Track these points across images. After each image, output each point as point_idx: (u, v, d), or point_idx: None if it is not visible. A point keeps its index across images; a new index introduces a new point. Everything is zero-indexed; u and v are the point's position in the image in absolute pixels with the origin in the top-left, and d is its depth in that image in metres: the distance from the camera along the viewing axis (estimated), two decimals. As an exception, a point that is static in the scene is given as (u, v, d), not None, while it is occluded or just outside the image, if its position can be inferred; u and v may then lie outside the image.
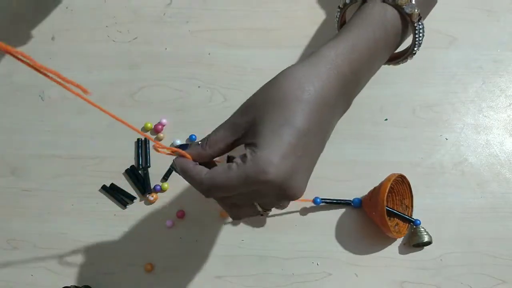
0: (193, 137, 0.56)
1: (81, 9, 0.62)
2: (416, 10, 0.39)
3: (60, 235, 0.54)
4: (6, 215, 0.55)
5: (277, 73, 0.36)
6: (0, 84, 0.60)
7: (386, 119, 0.56)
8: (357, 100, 0.57)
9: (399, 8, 0.39)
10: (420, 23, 0.40)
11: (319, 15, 0.60)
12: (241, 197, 0.35)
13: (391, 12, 0.39)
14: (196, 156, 0.37)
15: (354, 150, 0.55)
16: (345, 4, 0.42)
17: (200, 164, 0.37)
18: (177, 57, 0.59)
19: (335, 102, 0.35)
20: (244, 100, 0.58)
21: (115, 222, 0.54)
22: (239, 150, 0.36)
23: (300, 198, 0.51)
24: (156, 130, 0.56)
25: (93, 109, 0.60)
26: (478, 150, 0.54)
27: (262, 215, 0.38)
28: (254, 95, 0.36)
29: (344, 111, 0.39)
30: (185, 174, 0.36)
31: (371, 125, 0.55)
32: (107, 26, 0.61)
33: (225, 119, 0.39)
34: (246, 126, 0.35)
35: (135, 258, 0.52)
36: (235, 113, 0.36)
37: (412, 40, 0.43)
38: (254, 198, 0.36)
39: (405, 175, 0.50)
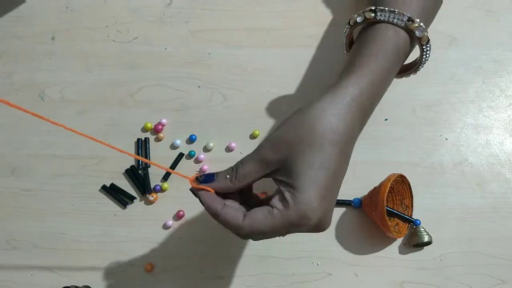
0: (193, 137, 0.56)
1: (81, 9, 0.62)
2: (426, 33, 0.41)
3: (60, 235, 0.54)
4: (6, 215, 0.55)
5: (305, 106, 0.36)
6: (0, 84, 0.60)
7: (386, 119, 0.56)
8: (357, 100, 0.57)
9: (410, 32, 0.40)
10: (428, 44, 0.42)
11: (319, 15, 0.60)
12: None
13: (403, 37, 0.40)
14: (224, 190, 0.36)
15: (354, 150, 0.54)
16: (355, 23, 0.42)
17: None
18: (177, 57, 0.59)
19: (358, 133, 0.38)
20: (244, 100, 0.58)
21: (115, 222, 0.54)
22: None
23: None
24: (156, 130, 0.56)
25: (93, 109, 0.60)
26: (478, 150, 0.54)
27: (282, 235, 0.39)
28: (284, 130, 0.35)
29: (361, 129, 0.40)
30: (217, 218, 0.36)
31: (371, 125, 0.55)
32: (107, 26, 0.61)
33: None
34: (277, 163, 0.35)
35: (135, 258, 0.52)
36: (264, 146, 0.36)
37: (419, 59, 0.44)
38: (286, 233, 0.37)
39: (405, 175, 0.50)
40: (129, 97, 0.58)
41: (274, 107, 0.57)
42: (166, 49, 0.60)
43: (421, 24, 0.40)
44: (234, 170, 0.36)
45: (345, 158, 0.36)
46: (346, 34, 0.45)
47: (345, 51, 0.47)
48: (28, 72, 0.60)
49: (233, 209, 0.35)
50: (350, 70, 0.38)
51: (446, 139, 0.55)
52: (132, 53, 0.60)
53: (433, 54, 0.58)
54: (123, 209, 0.54)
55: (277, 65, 0.59)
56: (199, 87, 0.58)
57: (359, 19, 0.42)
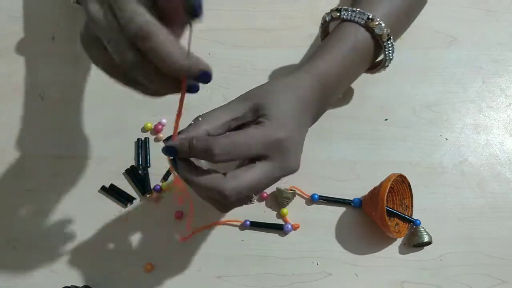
0: (193, 137, 0.56)
1: (82, 9, 0.62)
2: (385, 30, 0.46)
3: (60, 235, 0.54)
4: (6, 215, 0.55)
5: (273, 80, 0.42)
6: (0, 84, 0.60)
7: (386, 119, 0.56)
8: (358, 100, 0.57)
9: (370, 30, 0.45)
10: (389, 42, 0.47)
11: (319, 15, 0.60)
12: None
13: (363, 34, 0.46)
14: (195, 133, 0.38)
15: (354, 150, 0.55)
16: (325, 21, 0.49)
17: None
18: (177, 57, 0.59)
19: (316, 107, 0.43)
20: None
21: (115, 222, 0.54)
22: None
23: (299, 193, 0.53)
24: (156, 130, 0.56)
25: (93, 109, 0.60)
26: (478, 150, 0.54)
27: (251, 202, 0.40)
28: (252, 90, 0.40)
29: (321, 110, 0.45)
30: (195, 183, 0.36)
31: (371, 125, 0.56)
32: (107, 26, 0.61)
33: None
34: (245, 110, 0.39)
35: (135, 258, 0.52)
36: (231, 102, 0.40)
37: (383, 56, 0.49)
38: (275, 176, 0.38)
39: (405, 175, 0.50)
40: (129, 97, 0.58)
41: (274, 107, 0.57)
42: (166, 49, 0.60)
43: (381, 22, 0.45)
44: (201, 117, 0.39)
45: (305, 113, 0.40)
46: (320, 30, 0.52)
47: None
48: (28, 72, 0.60)
49: (211, 172, 0.36)
50: (315, 56, 0.45)
51: (446, 139, 0.55)
52: (132, 53, 0.60)
53: (433, 54, 0.58)
54: (123, 209, 0.54)
55: (277, 65, 0.59)
56: (199, 87, 0.58)
57: (327, 18, 0.49)
